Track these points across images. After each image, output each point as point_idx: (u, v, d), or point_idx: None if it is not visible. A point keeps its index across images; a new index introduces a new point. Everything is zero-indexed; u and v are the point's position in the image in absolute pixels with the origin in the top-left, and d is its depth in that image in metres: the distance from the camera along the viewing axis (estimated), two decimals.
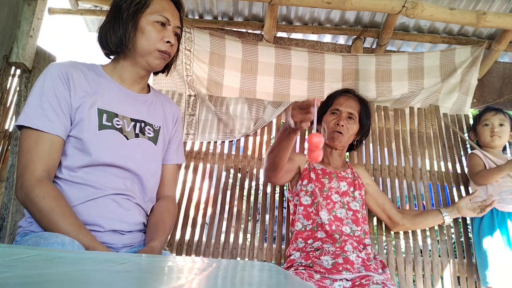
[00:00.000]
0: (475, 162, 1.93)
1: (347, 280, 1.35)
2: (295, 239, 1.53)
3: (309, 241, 1.49)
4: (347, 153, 2.07)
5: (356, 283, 1.32)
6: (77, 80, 1.07)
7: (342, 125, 1.61)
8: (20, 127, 1.02)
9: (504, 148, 2.04)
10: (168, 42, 1.13)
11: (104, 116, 1.08)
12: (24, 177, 0.96)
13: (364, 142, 1.89)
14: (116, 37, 1.10)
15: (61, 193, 0.99)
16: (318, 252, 1.44)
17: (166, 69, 1.27)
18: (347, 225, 1.50)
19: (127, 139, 1.11)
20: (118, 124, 1.10)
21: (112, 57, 1.20)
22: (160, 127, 1.22)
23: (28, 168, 0.97)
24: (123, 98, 1.14)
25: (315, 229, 1.49)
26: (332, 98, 1.73)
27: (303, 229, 1.52)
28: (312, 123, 1.12)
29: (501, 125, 1.94)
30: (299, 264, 1.44)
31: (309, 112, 1.11)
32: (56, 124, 1.01)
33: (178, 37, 1.21)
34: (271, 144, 1.49)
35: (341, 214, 1.53)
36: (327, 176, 1.61)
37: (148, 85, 1.28)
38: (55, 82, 1.04)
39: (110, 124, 1.08)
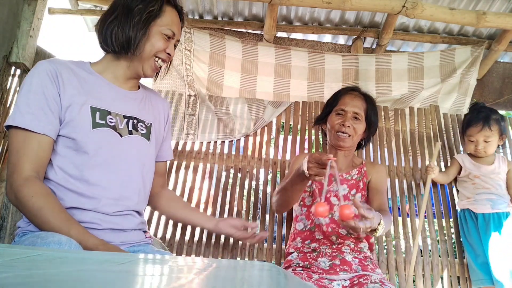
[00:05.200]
0: (450, 165, 2.00)
1: (345, 279, 1.35)
2: (294, 238, 1.54)
3: (307, 242, 1.49)
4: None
5: (355, 282, 1.31)
6: (66, 78, 1.06)
7: (348, 126, 1.54)
8: (8, 128, 1.00)
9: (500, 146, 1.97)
10: (168, 54, 1.17)
11: (97, 114, 1.07)
12: (13, 177, 0.96)
13: (373, 140, 1.86)
14: (125, 37, 1.09)
15: (50, 191, 0.98)
16: (315, 253, 1.44)
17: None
18: (344, 228, 1.46)
19: (121, 136, 1.11)
20: (111, 122, 1.09)
21: (104, 53, 1.19)
22: (151, 123, 1.22)
23: (17, 168, 0.96)
24: (114, 96, 1.14)
25: (313, 229, 1.50)
26: (337, 97, 1.66)
27: (304, 229, 1.53)
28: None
29: (486, 141, 1.85)
30: (297, 265, 1.44)
31: (325, 168, 1.19)
32: (43, 123, 1.00)
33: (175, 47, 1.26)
34: (281, 184, 1.51)
35: (338, 216, 1.50)
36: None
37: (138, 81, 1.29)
38: (43, 81, 1.02)
39: (103, 122, 1.08)
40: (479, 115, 1.88)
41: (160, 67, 1.19)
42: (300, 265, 1.43)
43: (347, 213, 1.14)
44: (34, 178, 0.97)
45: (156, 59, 1.16)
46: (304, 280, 1.31)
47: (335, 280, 1.34)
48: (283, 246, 1.84)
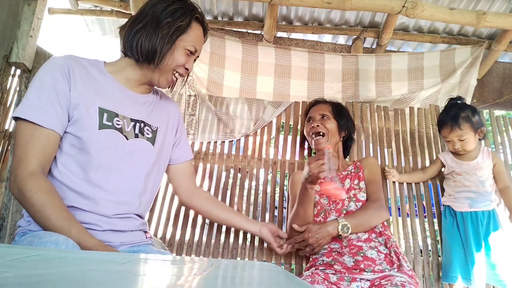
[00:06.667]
0: (432, 164, 2.02)
1: (367, 280, 1.33)
2: None
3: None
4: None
5: (375, 283, 1.29)
6: (78, 75, 1.06)
7: (318, 125, 1.69)
8: (16, 119, 1.00)
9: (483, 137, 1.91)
10: (186, 69, 1.19)
11: (105, 115, 1.07)
12: (18, 170, 0.95)
13: (355, 138, 1.91)
14: (151, 48, 1.10)
15: (54, 187, 0.97)
16: (339, 249, 1.44)
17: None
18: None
19: (127, 139, 1.10)
20: (118, 124, 1.09)
21: (122, 55, 1.19)
22: (157, 128, 1.21)
23: (22, 162, 0.95)
24: (124, 98, 1.14)
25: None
26: (306, 112, 1.89)
27: None
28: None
29: (461, 140, 1.79)
30: (321, 263, 1.44)
31: (323, 161, 1.29)
32: (52, 118, 0.99)
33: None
34: (292, 211, 1.60)
35: (352, 207, 1.55)
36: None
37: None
38: (55, 76, 1.02)
39: (110, 123, 1.07)
40: (448, 115, 1.83)
41: (176, 80, 1.21)
42: (324, 262, 1.43)
43: (327, 188, 1.28)
44: (39, 173, 0.96)
45: (174, 72, 1.17)
46: (317, 282, 1.30)
47: (356, 280, 1.32)
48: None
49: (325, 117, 1.72)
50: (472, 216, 1.76)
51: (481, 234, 1.72)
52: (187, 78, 1.27)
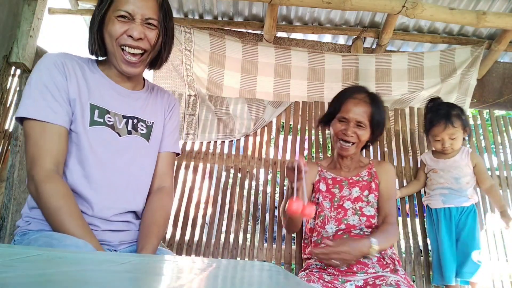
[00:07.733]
0: (419, 169, 2.00)
1: (358, 280, 1.33)
2: (310, 243, 1.53)
3: (322, 245, 1.48)
4: None
5: (370, 282, 1.28)
6: (72, 71, 1.06)
7: (352, 135, 1.49)
8: (21, 120, 0.99)
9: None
10: (130, 36, 1.02)
11: (96, 112, 1.06)
12: (34, 170, 0.95)
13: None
14: (88, 42, 1.09)
15: (69, 191, 0.97)
16: None
17: (156, 63, 1.19)
18: (360, 231, 1.46)
19: (120, 136, 1.09)
20: (109, 121, 1.08)
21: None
22: (153, 123, 1.19)
23: (38, 161, 0.95)
24: (115, 95, 1.12)
25: (319, 242, 1.47)
26: (340, 102, 1.54)
27: (317, 241, 1.50)
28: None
29: (451, 138, 1.79)
30: (314, 266, 1.43)
31: (299, 172, 1.23)
32: (60, 114, 0.99)
33: (165, 29, 1.10)
34: (283, 203, 1.59)
35: (354, 221, 1.47)
36: (337, 185, 1.56)
37: (144, 79, 1.25)
38: (52, 72, 1.02)
39: (101, 120, 1.06)
40: (439, 113, 1.81)
41: (140, 56, 1.07)
42: (318, 266, 1.42)
43: (294, 208, 1.18)
44: (55, 174, 0.96)
45: (122, 47, 1.04)
46: (312, 282, 1.30)
47: (350, 280, 1.32)
48: (283, 246, 1.84)
49: (361, 125, 1.49)
50: (445, 212, 1.77)
51: (453, 230, 1.72)
52: (165, 47, 1.13)
